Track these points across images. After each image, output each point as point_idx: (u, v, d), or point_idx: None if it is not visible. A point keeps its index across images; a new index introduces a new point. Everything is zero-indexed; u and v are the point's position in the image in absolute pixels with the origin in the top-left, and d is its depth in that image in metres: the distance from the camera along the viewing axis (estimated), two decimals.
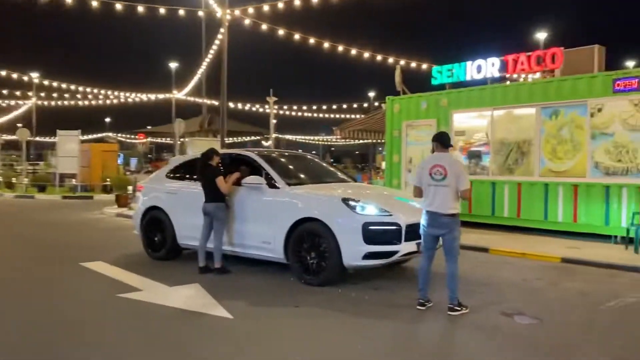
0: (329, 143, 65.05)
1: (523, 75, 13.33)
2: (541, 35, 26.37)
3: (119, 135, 54.40)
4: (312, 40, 16.15)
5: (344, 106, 31.93)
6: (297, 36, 15.87)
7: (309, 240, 6.74)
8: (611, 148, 9.92)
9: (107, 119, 65.08)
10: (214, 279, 7.04)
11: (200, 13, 23.50)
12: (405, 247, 6.48)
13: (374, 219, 6.47)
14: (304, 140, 62.04)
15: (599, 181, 10.02)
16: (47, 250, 9.51)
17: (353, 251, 6.41)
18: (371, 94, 42.92)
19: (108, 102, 28.93)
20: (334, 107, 32.85)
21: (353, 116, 34.66)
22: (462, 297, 5.61)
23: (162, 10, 16.47)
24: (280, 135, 49.36)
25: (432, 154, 5.81)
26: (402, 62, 16.84)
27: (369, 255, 6.39)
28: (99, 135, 51.91)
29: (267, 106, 31.46)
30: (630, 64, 26.69)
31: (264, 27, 15.66)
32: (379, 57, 17.59)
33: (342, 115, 34.69)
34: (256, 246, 7.29)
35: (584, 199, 10.25)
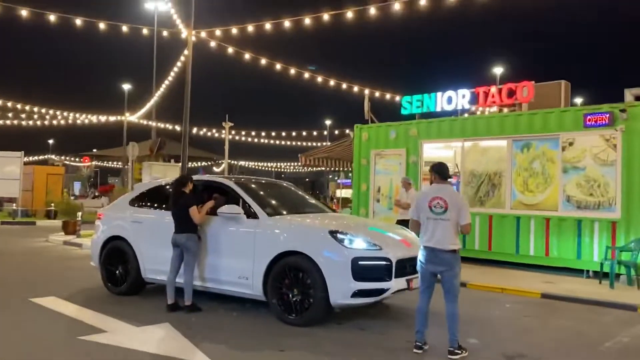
0: (279, 170, 64.60)
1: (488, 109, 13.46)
2: (497, 70, 27.20)
3: (63, 157, 52.01)
4: (278, 66, 15.86)
5: (304, 133, 31.69)
6: (263, 61, 15.55)
7: (292, 276, 6.25)
8: (583, 182, 9.99)
9: (51, 141, 62.20)
10: (185, 318, 6.42)
11: (145, 31, 22.90)
12: (396, 284, 6.10)
13: (364, 253, 6.07)
14: (256, 167, 61.38)
15: (570, 215, 10.04)
16: None
17: (341, 288, 5.97)
18: (328, 122, 43.02)
19: (55, 122, 27.48)
20: (294, 134, 32.54)
21: (314, 144, 34.59)
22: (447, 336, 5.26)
23: (113, 28, 15.83)
24: (233, 161, 48.60)
25: (430, 185, 5.50)
26: (367, 92, 16.79)
27: (358, 293, 5.96)
28: (42, 157, 49.43)
29: (223, 131, 30.86)
30: (578, 100, 27.86)
31: (229, 49, 15.26)
32: (343, 86, 17.48)
33: (303, 143, 34.46)
34: (232, 282, 6.73)
35: (555, 233, 10.23)
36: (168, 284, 6.83)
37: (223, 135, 32.99)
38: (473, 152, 11.71)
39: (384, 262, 6.07)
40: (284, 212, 7.10)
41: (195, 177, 7.38)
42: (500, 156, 11.19)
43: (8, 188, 22.60)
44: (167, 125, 31.45)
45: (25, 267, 10.40)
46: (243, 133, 36.85)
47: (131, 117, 27.73)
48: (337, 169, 18.10)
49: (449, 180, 5.50)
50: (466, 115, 13.07)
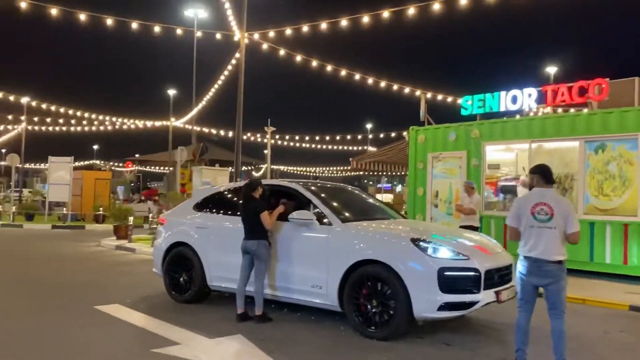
0: (313, 174, 64.32)
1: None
2: (551, 70, 26.22)
3: (106, 163, 53.15)
4: (329, 68, 15.54)
5: (348, 137, 31.30)
6: (314, 63, 15.26)
7: (370, 286, 5.87)
8: None
9: (95, 146, 63.64)
10: (257, 329, 6.11)
11: (199, 34, 22.90)
12: (485, 296, 5.65)
13: (450, 263, 5.64)
14: (294, 171, 61.31)
15: None
16: (49, 291, 8.44)
17: (426, 301, 5.55)
18: (369, 125, 42.56)
19: (102, 128, 27.91)
20: (331, 138, 32.19)
21: (356, 148, 34.17)
22: (550, 356, 4.76)
23: (156, 29, 15.81)
24: (273, 166, 48.62)
25: (530, 190, 5.03)
26: (423, 93, 16.29)
27: (445, 306, 5.53)
28: (87, 162, 50.56)
29: (259, 135, 30.78)
30: None
31: (279, 52, 15.03)
32: (394, 87, 17.04)
33: (342, 147, 34.11)
34: (304, 291, 6.39)
35: (635, 239, 9.54)
36: (238, 293, 6.54)
37: (258, 139, 33.02)
38: (541, 154, 11.09)
39: (472, 273, 5.62)
40: (357, 218, 6.72)
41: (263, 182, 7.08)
42: (572, 158, 10.56)
43: (59, 193, 23.00)
44: (210, 130, 31.58)
45: (83, 272, 10.32)
46: (281, 137, 36.73)
47: (176, 122, 27.89)
48: (389, 173, 17.65)
49: (552, 184, 5.01)
50: (532, 114, 12.47)
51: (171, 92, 28.35)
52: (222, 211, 7.46)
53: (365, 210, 7.47)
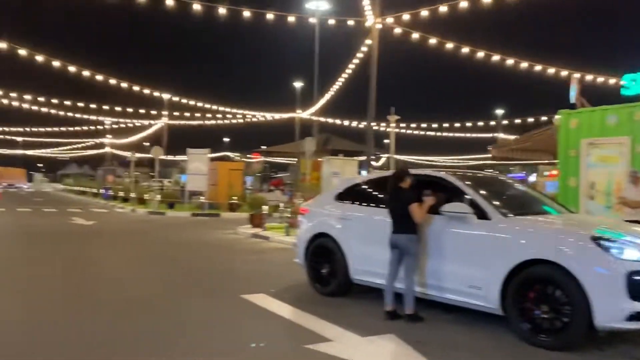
0: (434, 163, 62.33)
1: None
2: None
3: (242, 154, 55.85)
4: (464, 50, 14.63)
5: (480, 124, 29.80)
6: (449, 45, 14.44)
7: (539, 290, 5.21)
8: None
9: (226, 139, 67.19)
10: (409, 329, 5.71)
11: (313, 20, 22.81)
12: None
13: None
14: (415, 161, 60.02)
15: None
16: (197, 276, 8.77)
17: (612, 309, 4.80)
18: (500, 111, 40.29)
19: (234, 121, 29.18)
20: (467, 124, 30.75)
21: (481, 135, 32.40)
22: None
23: (290, 19, 15.83)
24: (397, 156, 47.91)
25: None
26: (577, 75, 14.79)
27: (636, 316, 4.74)
28: (218, 154, 53.55)
29: (390, 124, 30.22)
30: None
31: (410, 36, 14.42)
32: (537, 68, 15.65)
33: (470, 135, 32.52)
34: (460, 290, 5.87)
35: None
36: (386, 289, 6.19)
37: (382, 127, 32.38)
38: None
39: None
40: (519, 212, 6.05)
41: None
42: None
43: (197, 182, 24.41)
44: (334, 120, 31.69)
45: (224, 259, 10.65)
46: (404, 126, 35.85)
47: (303, 114, 28.33)
48: (532, 161, 16.34)
49: None
50: None
51: (297, 84, 28.84)
52: (366, 202, 7.15)
53: (525, 202, 6.75)
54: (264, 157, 52.71)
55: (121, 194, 30.94)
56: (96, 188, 39.51)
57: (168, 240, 13.79)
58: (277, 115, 28.82)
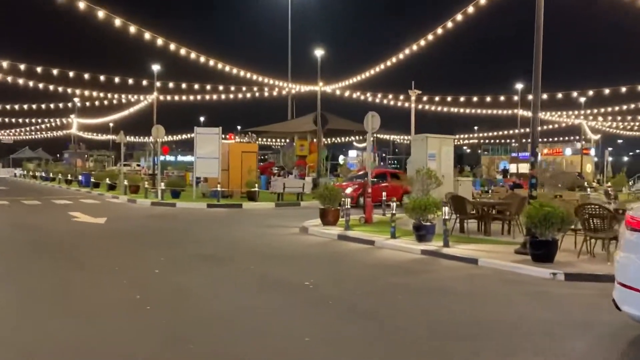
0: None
1: None
2: None
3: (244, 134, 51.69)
4: None
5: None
6: None
7: None
8: None
9: (202, 117, 62.29)
10: None
11: None
12: None
13: None
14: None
15: None
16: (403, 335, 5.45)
17: None
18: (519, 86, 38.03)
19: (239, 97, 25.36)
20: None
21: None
22: None
23: None
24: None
25: None
26: None
27: None
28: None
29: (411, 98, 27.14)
30: None
31: None
32: None
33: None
34: None
35: None
36: None
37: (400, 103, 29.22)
38: None
39: None
40: None
41: None
42: None
43: (207, 167, 20.78)
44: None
45: (364, 284, 7.34)
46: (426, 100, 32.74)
47: (325, 87, 24.80)
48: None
49: None
50: None
51: (319, 52, 25.09)
52: None
53: None
54: (248, 139, 48.86)
55: (107, 181, 26.79)
56: (70, 174, 34.76)
57: (233, 246, 10.34)
58: (299, 87, 25.10)
